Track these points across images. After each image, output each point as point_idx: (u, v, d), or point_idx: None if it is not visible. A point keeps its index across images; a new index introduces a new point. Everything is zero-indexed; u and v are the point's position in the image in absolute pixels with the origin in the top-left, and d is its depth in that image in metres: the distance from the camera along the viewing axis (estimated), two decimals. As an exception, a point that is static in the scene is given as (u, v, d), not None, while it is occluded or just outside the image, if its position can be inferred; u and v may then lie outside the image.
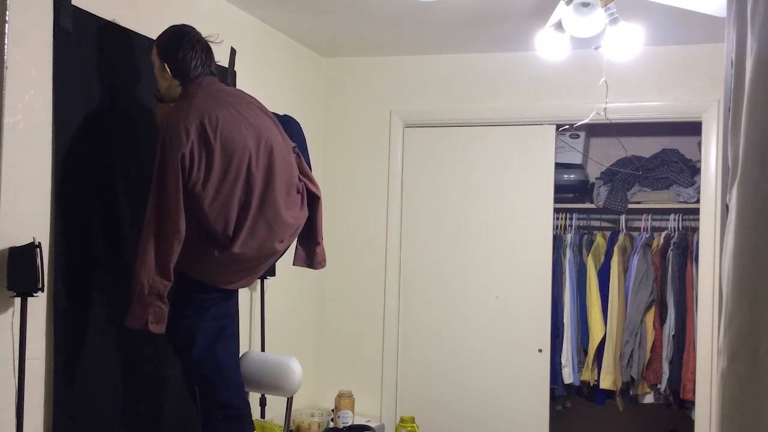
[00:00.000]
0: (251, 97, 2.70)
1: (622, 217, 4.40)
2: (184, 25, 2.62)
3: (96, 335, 2.58)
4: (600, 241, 4.42)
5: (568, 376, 4.22)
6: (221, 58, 3.22)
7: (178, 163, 2.35)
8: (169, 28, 2.61)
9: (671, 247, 4.15)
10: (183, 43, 2.54)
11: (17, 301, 2.27)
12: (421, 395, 4.26)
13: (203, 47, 2.58)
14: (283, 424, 3.20)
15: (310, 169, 2.83)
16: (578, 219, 4.51)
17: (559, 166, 4.31)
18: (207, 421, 2.63)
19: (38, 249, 2.25)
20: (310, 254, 2.84)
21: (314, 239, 2.82)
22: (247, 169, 2.47)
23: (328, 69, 4.38)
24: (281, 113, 3.04)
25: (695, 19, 2.88)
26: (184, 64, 2.53)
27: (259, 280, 3.61)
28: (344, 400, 4.02)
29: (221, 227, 2.45)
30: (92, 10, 2.58)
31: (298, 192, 2.66)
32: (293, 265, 2.88)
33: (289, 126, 2.85)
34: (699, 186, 3.99)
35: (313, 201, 2.76)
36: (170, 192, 2.36)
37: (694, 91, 3.85)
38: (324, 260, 2.90)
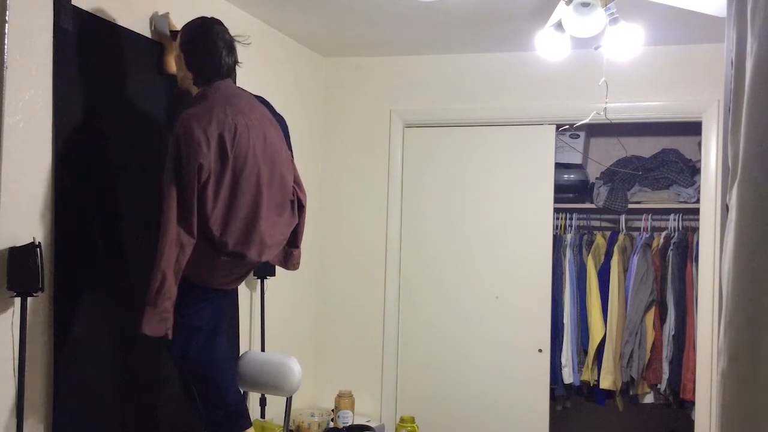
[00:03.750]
0: (260, 105, 2.69)
1: (622, 217, 4.40)
2: (212, 22, 2.58)
3: (96, 335, 2.58)
4: (600, 241, 4.42)
5: (568, 376, 4.23)
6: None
7: (195, 170, 2.36)
8: (197, 19, 2.59)
9: (671, 247, 4.15)
10: (204, 42, 2.53)
11: (17, 301, 2.27)
12: (421, 395, 4.26)
13: (226, 45, 2.55)
14: (282, 424, 3.20)
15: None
16: (578, 219, 4.51)
17: (559, 166, 4.31)
18: (209, 421, 2.65)
19: (38, 249, 2.25)
20: (288, 255, 2.85)
21: (294, 243, 2.84)
22: (256, 183, 2.51)
23: (328, 69, 4.39)
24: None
25: (695, 19, 2.88)
26: (200, 62, 2.54)
27: (259, 280, 3.61)
28: (344, 400, 4.02)
29: (219, 232, 2.46)
30: (92, 10, 2.58)
31: (290, 201, 2.70)
32: (270, 262, 2.88)
33: (280, 125, 2.87)
34: (699, 186, 3.99)
35: (300, 208, 2.77)
36: (189, 197, 2.38)
37: (694, 91, 3.85)
38: (298, 263, 2.90)
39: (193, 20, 2.60)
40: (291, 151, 2.82)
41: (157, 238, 2.37)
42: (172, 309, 2.39)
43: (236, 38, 2.62)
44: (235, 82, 2.67)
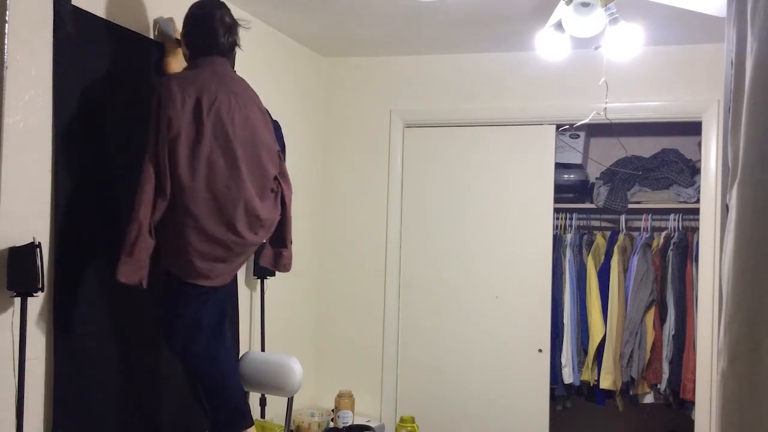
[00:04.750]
0: (254, 93, 2.73)
1: (622, 217, 4.40)
2: (213, 4, 2.65)
3: (96, 335, 2.58)
4: (600, 241, 4.42)
5: (568, 376, 4.23)
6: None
7: (165, 122, 2.43)
8: (200, 1, 2.67)
9: (671, 247, 4.15)
10: (203, 21, 2.61)
11: (17, 301, 2.27)
12: (421, 395, 4.26)
13: (224, 26, 2.61)
14: (283, 424, 3.20)
15: None
16: (578, 219, 4.51)
17: (559, 166, 4.31)
18: (213, 419, 2.68)
19: (38, 249, 2.25)
20: (277, 256, 2.85)
21: (282, 242, 2.83)
22: (232, 158, 2.51)
23: (328, 69, 4.38)
24: (273, 116, 3.09)
25: (695, 19, 2.88)
26: (196, 40, 2.63)
27: (259, 280, 3.61)
28: (344, 400, 4.02)
29: (195, 206, 2.47)
30: (92, 10, 2.58)
31: (272, 191, 2.69)
32: (260, 264, 2.89)
33: (276, 132, 2.93)
34: (699, 186, 3.99)
35: (282, 203, 2.77)
36: (159, 152, 2.44)
37: (694, 91, 3.85)
38: (290, 264, 2.89)
39: (197, 3, 2.67)
40: (284, 152, 2.85)
41: (135, 193, 2.44)
42: (148, 260, 2.44)
43: (239, 21, 2.68)
44: (233, 65, 2.70)
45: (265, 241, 2.76)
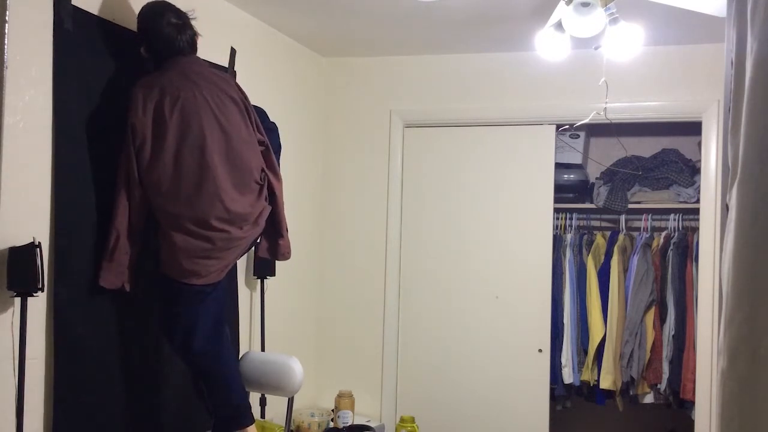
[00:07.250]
0: (230, 86, 2.72)
1: (622, 217, 4.40)
2: (157, 9, 2.65)
3: (96, 335, 2.58)
4: (600, 241, 4.42)
5: (568, 376, 4.23)
6: (221, 57, 3.22)
7: (129, 131, 2.50)
8: (145, 7, 2.68)
9: (671, 247, 4.15)
10: (153, 29, 2.63)
11: (17, 301, 2.27)
12: (421, 395, 4.26)
13: (173, 27, 2.62)
14: (283, 424, 3.20)
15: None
16: (578, 219, 4.51)
17: (559, 166, 4.31)
18: (217, 418, 2.70)
19: (38, 249, 2.25)
20: (274, 246, 2.86)
21: (278, 232, 2.84)
22: (201, 152, 2.51)
23: (328, 69, 4.38)
24: (273, 116, 3.10)
25: (695, 19, 2.88)
26: (152, 47, 2.65)
27: (259, 280, 3.61)
28: (344, 400, 4.02)
29: (165, 202, 2.52)
30: (92, 10, 2.58)
31: (257, 183, 2.68)
32: (258, 255, 2.90)
33: (272, 133, 2.95)
34: (699, 186, 3.99)
35: (271, 195, 2.77)
36: (128, 158, 2.52)
37: (694, 91, 3.85)
38: (288, 252, 2.90)
39: (144, 7, 2.68)
40: (279, 153, 2.89)
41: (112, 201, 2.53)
42: (128, 263, 2.55)
43: (189, 13, 2.69)
44: (195, 51, 2.71)
45: (257, 235, 2.76)
